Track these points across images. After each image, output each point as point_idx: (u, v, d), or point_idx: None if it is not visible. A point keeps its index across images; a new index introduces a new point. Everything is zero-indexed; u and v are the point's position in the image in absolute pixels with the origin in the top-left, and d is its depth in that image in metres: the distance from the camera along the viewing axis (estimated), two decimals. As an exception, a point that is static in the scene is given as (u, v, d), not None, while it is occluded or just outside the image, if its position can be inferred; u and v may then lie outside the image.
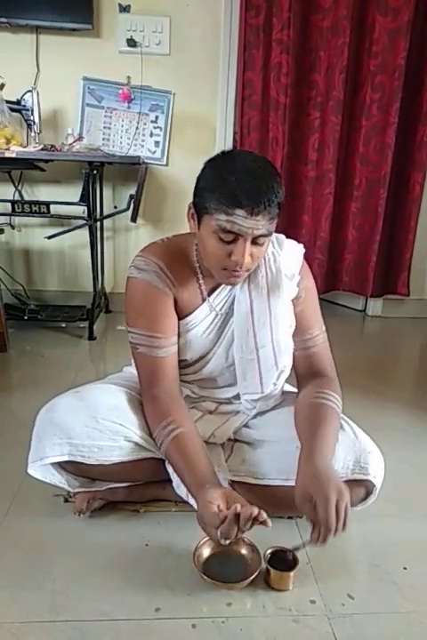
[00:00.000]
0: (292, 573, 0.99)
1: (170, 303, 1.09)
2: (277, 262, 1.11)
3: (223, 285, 1.11)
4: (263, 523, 0.86)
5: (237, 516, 0.85)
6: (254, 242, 0.96)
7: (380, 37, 2.57)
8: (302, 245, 1.17)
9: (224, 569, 1.00)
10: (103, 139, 2.68)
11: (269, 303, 1.10)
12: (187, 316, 1.12)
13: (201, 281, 1.11)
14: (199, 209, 0.99)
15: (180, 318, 1.11)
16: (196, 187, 1.00)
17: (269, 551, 1.01)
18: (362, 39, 2.60)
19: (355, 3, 2.51)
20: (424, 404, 1.90)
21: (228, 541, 0.87)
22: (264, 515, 0.86)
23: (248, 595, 0.97)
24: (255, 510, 0.85)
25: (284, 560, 1.00)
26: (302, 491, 0.93)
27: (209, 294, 1.12)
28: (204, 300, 1.12)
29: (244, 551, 1.04)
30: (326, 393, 1.09)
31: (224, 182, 0.92)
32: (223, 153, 0.99)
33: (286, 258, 1.13)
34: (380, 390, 1.94)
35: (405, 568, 1.07)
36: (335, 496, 0.88)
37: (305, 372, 1.16)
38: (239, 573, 0.98)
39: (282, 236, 1.16)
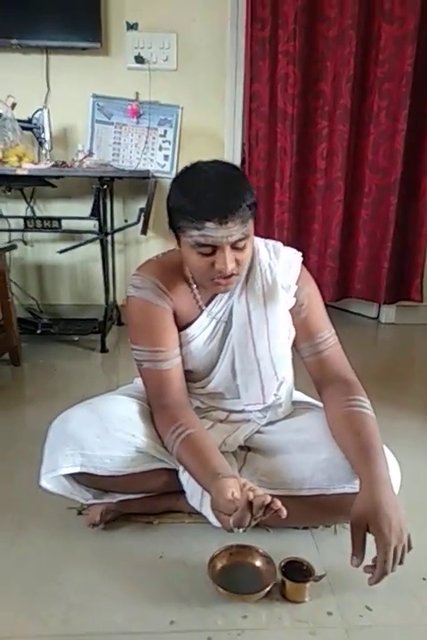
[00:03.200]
0: (308, 585, 0.97)
1: (169, 317, 1.10)
2: (274, 273, 1.12)
3: (221, 295, 1.12)
4: (277, 511, 0.85)
5: (250, 503, 0.84)
6: (234, 247, 0.97)
7: (386, 45, 2.57)
8: (300, 253, 1.17)
9: (239, 581, 0.98)
10: (113, 154, 2.72)
11: (267, 314, 1.11)
12: (186, 326, 1.13)
13: (196, 292, 1.12)
14: (174, 229, 1.00)
15: (180, 330, 1.12)
16: (167, 207, 1.01)
17: (284, 562, 1.00)
18: (368, 47, 2.61)
19: (360, 12, 2.53)
20: (440, 411, 1.87)
21: (241, 530, 0.86)
22: (278, 503, 0.85)
23: (264, 607, 0.96)
24: (268, 498, 0.84)
25: (299, 571, 0.99)
26: (360, 518, 0.91)
27: (206, 304, 1.13)
28: (202, 311, 1.13)
29: (258, 563, 1.02)
30: (358, 399, 1.07)
31: (188, 199, 0.94)
32: (186, 168, 1.00)
33: (283, 268, 1.13)
34: (394, 398, 1.91)
35: (424, 579, 1.04)
36: (395, 541, 0.87)
37: (322, 377, 1.15)
38: (254, 585, 0.97)
39: (279, 245, 1.17)
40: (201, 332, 1.13)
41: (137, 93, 2.64)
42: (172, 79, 2.64)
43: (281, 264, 1.13)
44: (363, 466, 0.97)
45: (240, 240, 0.97)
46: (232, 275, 0.99)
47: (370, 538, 0.90)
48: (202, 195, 0.93)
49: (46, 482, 1.05)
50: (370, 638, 0.90)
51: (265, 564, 1.01)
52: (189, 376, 1.17)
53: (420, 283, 2.92)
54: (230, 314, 1.13)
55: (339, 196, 2.78)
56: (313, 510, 1.09)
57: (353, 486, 1.01)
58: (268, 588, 0.96)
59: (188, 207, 0.94)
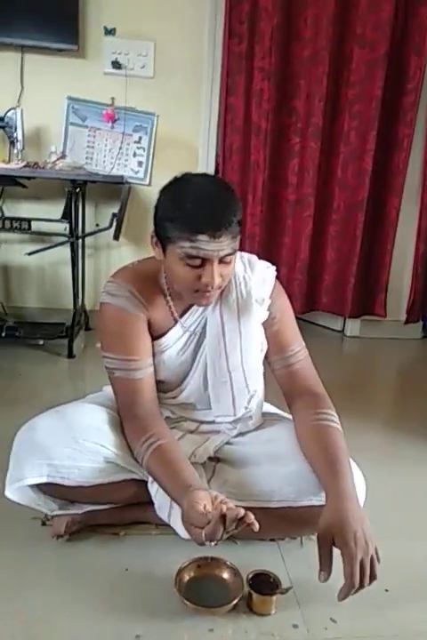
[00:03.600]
0: (274, 597, 0.98)
1: (144, 326, 1.10)
2: (249, 286, 1.13)
3: (196, 307, 1.12)
4: (250, 524, 0.85)
5: (223, 517, 0.84)
6: (221, 261, 0.98)
7: (357, 68, 2.67)
8: (274, 267, 1.19)
9: (206, 593, 0.98)
10: (86, 157, 2.69)
11: (240, 327, 1.12)
12: (160, 336, 1.13)
13: (171, 303, 1.12)
14: (162, 239, 1.00)
15: (153, 339, 1.12)
16: (155, 216, 1.01)
17: (251, 574, 1.00)
18: (341, 69, 2.70)
19: (334, 34, 2.61)
20: (402, 425, 1.93)
21: (213, 543, 0.86)
22: (251, 516, 0.85)
23: (231, 620, 0.96)
24: (241, 511, 0.85)
25: (266, 583, 1.00)
26: (326, 531, 0.92)
27: (181, 315, 1.13)
28: (176, 322, 1.13)
29: (226, 575, 1.03)
30: (325, 412, 1.09)
31: (183, 210, 0.93)
32: (177, 179, 1.00)
33: (257, 282, 1.15)
34: (358, 410, 1.96)
35: (386, 590, 1.07)
36: (361, 554, 0.89)
37: (291, 389, 1.16)
38: (222, 598, 0.97)
39: (254, 258, 1.18)
40: (174, 342, 1.13)
41: (113, 98, 2.62)
42: (148, 87, 2.64)
43: (256, 277, 1.15)
44: (330, 480, 0.99)
45: (229, 255, 0.98)
46: (215, 288, 1.00)
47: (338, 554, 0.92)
48: (197, 207, 0.93)
49: (11, 493, 1.02)
50: (334, 649, 0.92)
51: (232, 577, 1.02)
52: (161, 386, 1.17)
53: (384, 298, 3.02)
54: (204, 326, 1.14)
55: (309, 211, 2.84)
56: (281, 522, 1.11)
57: (320, 499, 1.03)
58: (235, 602, 0.96)
59: (181, 218, 0.94)
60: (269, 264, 1.20)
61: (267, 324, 1.16)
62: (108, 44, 2.56)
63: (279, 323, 1.17)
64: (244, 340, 1.13)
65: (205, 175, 1.02)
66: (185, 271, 0.98)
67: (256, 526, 0.85)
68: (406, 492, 1.47)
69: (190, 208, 0.93)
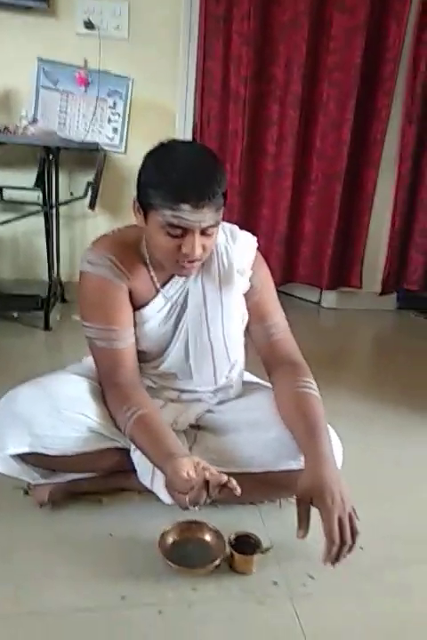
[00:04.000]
0: (255, 557, 1.02)
1: (125, 296, 1.08)
2: (230, 257, 1.13)
3: (177, 277, 1.11)
4: (232, 489, 0.88)
5: (207, 482, 0.86)
6: (203, 233, 0.97)
7: (337, 34, 2.63)
8: (255, 238, 1.19)
9: (189, 555, 1.01)
10: (59, 123, 2.60)
11: (222, 297, 1.12)
12: (142, 307, 1.12)
13: (152, 273, 1.11)
14: (144, 205, 0.97)
15: (135, 309, 1.11)
16: (138, 182, 0.99)
17: (233, 536, 1.03)
18: (320, 35, 2.65)
19: (313, -1, 2.56)
20: (376, 391, 1.99)
21: (197, 508, 0.88)
22: (234, 482, 0.88)
23: (213, 579, 0.99)
24: (224, 478, 0.87)
25: (247, 544, 1.03)
26: (304, 492, 0.96)
27: (162, 285, 1.12)
28: (157, 292, 1.12)
29: (208, 537, 1.06)
30: (304, 380, 1.11)
31: (167, 177, 0.92)
32: (162, 144, 0.98)
33: (239, 252, 1.14)
34: (334, 378, 2.01)
35: (361, 548, 1.11)
36: (338, 511, 0.92)
37: (271, 359, 1.18)
38: (204, 559, 1.00)
39: (236, 229, 1.17)
40: (156, 313, 1.12)
41: (86, 60, 2.52)
42: (123, 49, 2.55)
43: (237, 248, 1.14)
44: (309, 444, 1.02)
45: (211, 227, 0.96)
46: (195, 260, 0.99)
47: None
48: (181, 176, 0.91)
49: (-6, 462, 1.02)
50: (312, 604, 0.96)
51: (214, 539, 1.05)
52: (142, 356, 1.16)
53: (360, 270, 3.06)
54: (186, 296, 1.13)
55: (287, 182, 2.83)
56: (261, 486, 1.14)
57: (299, 463, 1.06)
58: (217, 562, 0.99)
59: (165, 186, 0.92)
60: (250, 235, 1.19)
61: (248, 295, 1.17)
62: (80, 2, 2.45)
63: (260, 293, 1.17)
64: (225, 310, 1.13)
65: (191, 143, 1.00)
66: (166, 240, 0.97)
67: (238, 491, 0.88)
68: (382, 457, 1.53)
69: (175, 176, 0.91)
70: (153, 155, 0.97)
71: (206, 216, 0.94)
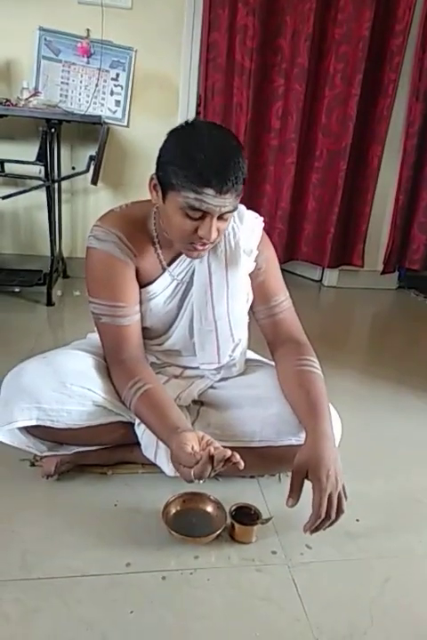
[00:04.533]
0: (255, 527, 1.05)
1: (131, 273, 1.09)
2: (237, 237, 1.13)
3: (184, 256, 1.12)
4: (236, 463, 0.90)
5: (211, 457, 0.89)
6: (220, 217, 0.97)
7: (345, 5, 2.57)
8: (261, 218, 1.20)
9: (192, 525, 1.04)
10: (61, 94, 2.56)
11: (227, 277, 1.13)
12: (148, 284, 1.13)
13: (160, 251, 1.12)
14: (164, 184, 0.97)
15: (141, 287, 1.12)
16: (160, 159, 0.98)
17: (233, 507, 1.07)
18: (328, 6, 2.60)
19: (321, -33, 2.49)
20: (376, 370, 2.01)
21: (201, 481, 0.91)
22: (237, 456, 0.90)
23: (214, 548, 1.02)
24: (228, 452, 0.89)
25: (247, 515, 1.06)
26: (301, 465, 0.98)
27: (169, 264, 1.13)
28: (164, 270, 1.13)
29: (209, 508, 1.09)
30: (307, 359, 1.13)
31: (192, 160, 0.91)
32: (187, 123, 0.98)
33: (246, 233, 1.15)
34: (335, 357, 2.03)
35: (357, 520, 1.15)
36: (330, 488, 0.95)
37: (275, 338, 1.20)
38: (206, 529, 1.04)
39: (243, 208, 1.17)
40: (162, 290, 1.14)
41: (88, 30, 2.47)
42: (126, 18, 2.49)
43: (244, 228, 1.15)
44: (310, 421, 1.04)
45: (229, 212, 0.97)
46: (209, 243, 1.00)
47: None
48: (207, 160, 0.90)
49: (1, 434, 1.04)
50: (310, 572, 1.00)
51: (216, 510, 1.08)
52: (147, 333, 1.18)
53: (362, 249, 3.06)
54: (192, 275, 1.15)
55: (291, 158, 2.80)
56: (261, 460, 1.16)
57: (299, 439, 1.09)
58: (218, 531, 1.02)
59: (190, 168, 0.91)
60: (256, 214, 1.20)
61: (253, 275, 1.18)
62: (83, -31, 2.39)
63: (265, 273, 1.19)
64: (230, 289, 1.14)
65: (216, 125, 0.99)
66: (182, 221, 0.97)
67: (241, 465, 0.90)
68: (380, 433, 1.56)
69: (201, 160, 0.90)
70: (178, 134, 0.97)
71: (227, 201, 0.94)
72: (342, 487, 0.98)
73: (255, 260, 1.17)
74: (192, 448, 0.91)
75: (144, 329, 1.16)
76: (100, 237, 1.07)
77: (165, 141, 0.98)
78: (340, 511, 0.97)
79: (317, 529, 0.96)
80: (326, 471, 0.96)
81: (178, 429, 0.95)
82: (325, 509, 0.94)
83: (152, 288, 1.13)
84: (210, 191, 0.91)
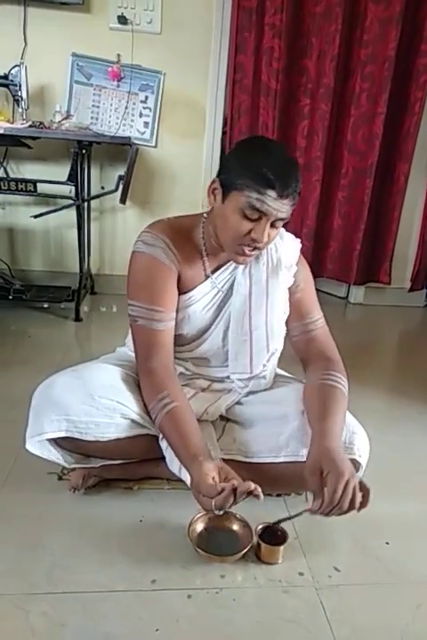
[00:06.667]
0: (282, 547, 1.03)
1: (173, 278, 1.12)
2: (279, 253, 1.17)
3: (227, 265, 1.16)
4: (256, 496, 0.91)
5: (234, 490, 0.89)
6: (273, 224, 1.02)
7: (371, 26, 2.58)
8: (299, 240, 1.24)
9: (217, 544, 1.03)
10: (91, 117, 2.64)
11: (268, 288, 1.16)
12: (189, 291, 1.16)
13: (205, 258, 1.15)
14: (228, 185, 1.02)
15: (181, 293, 1.15)
16: (225, 163, 1.06)
17: (260, 526, 1.05)
18: (354, 27, 2.61)
19: (347, -11, 2.52)
20: (403, 389, 1.97)
21: (221, 511, 0.91)
22: (259, 490, 0.90)
23: (240, 567, 1.01)
24: (251, 485, 0.90)
25: (274, 535, 1.05)
26: (313, 464, 0.97)
27: (213, 272, 1.17)
28: (207, 277, 1.16)
29: (235, 527, 1.08)
30: (333, 374, 1.13)
31: (259, 163, 0.98)
32: (254, 137, 1.07)
33: (286, 250, 1.19)
34: (361, 376, 1.99)
35: (387, 543, 1.12)
36: (348, 475, 0.93)
37: (308, 355, 1.20)
38: (232, 547, 1.02)
39: (282, 229, 1.20)
40: (202, 297, 1.16)
41: (119, 55, 2.55)
42: (155, 43, 2.57)
43: (285, 244, 1.19)
44: (318, 424, 1.04)
45: (281, 220, 1.02)
46: (256, 248, 1.04)
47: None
48: (272, 165, 0.97)
49: (32, 445, 1.06)
50: (338, 596, 0.97)
51: (242, 528, 1.07)
52: (180, 339, 1.19)
53: (389, 266, 3.02)
54: (232, 284, 1.18)
55: (317, 176, 2.81)
56: (286, 476, 1.15)
57: None
58: (245, 550, 1.01)
59: (256, 169, 0.97)
60: (293, 236, 1.24)
61: (291, 290, 1.21)
62: (114, -3, 2.48)
63: (302, 291, 1.22)
64: (270, 300, 1.17)
65: (276, 142, 1.08)
66: (239, 222, 1.01)
67: (261, 498, 0.91)
68: (409, 454, 1.52)
69: (266, 164, 0.97)
70: (245, 142, 1.08)
71: (284, 207, 0.99)
72: (358, 481, 0.96)
73: (294, 276, 1.20)
74: (213, 479, 0.92)
75: (178, 336, 1.17)
76: (148, 242, 1.10)
77: (233, 148, 1.07)
78: (352, 505, 0.94)
79: (325, 514, 0.94)
80: (340, 458, 0.96)
81: (198, 457, 0.96)
82: (338, 496, 0.92)
83: (193, 293, 1.15)
84: (272, 193, 0.97)
